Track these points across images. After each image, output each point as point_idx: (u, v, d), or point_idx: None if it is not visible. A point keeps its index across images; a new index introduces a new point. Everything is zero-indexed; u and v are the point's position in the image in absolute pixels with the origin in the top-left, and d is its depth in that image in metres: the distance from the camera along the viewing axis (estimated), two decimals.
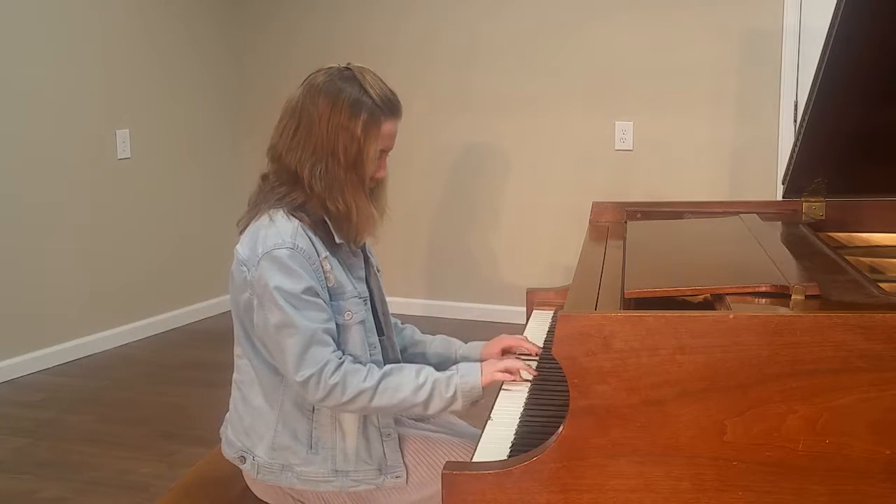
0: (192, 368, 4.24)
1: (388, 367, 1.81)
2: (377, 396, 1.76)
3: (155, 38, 4.69)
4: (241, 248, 1.84)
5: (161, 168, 4.77)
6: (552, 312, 2.28)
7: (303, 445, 1.85)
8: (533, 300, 2.37)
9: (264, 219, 1.82)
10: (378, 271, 2.02)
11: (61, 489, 3.04)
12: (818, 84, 1.99)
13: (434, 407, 1.78)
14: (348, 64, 1.86)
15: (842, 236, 2.24)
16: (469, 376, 1.79)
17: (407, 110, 1.88)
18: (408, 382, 1.77)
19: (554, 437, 1.43)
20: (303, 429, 1.85)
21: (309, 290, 1.76)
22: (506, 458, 1.53)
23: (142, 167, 4.66)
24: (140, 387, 4.02)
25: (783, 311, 1.46)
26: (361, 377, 1.76)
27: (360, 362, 1.81)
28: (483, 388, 1.80)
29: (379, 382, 1.76)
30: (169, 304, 4.84)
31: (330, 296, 1.82)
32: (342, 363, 1.76)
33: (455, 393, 1.78)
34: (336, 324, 1.81)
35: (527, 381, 1.84)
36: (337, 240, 1.85)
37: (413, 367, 1.83)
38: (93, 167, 4.42)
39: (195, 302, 4.96)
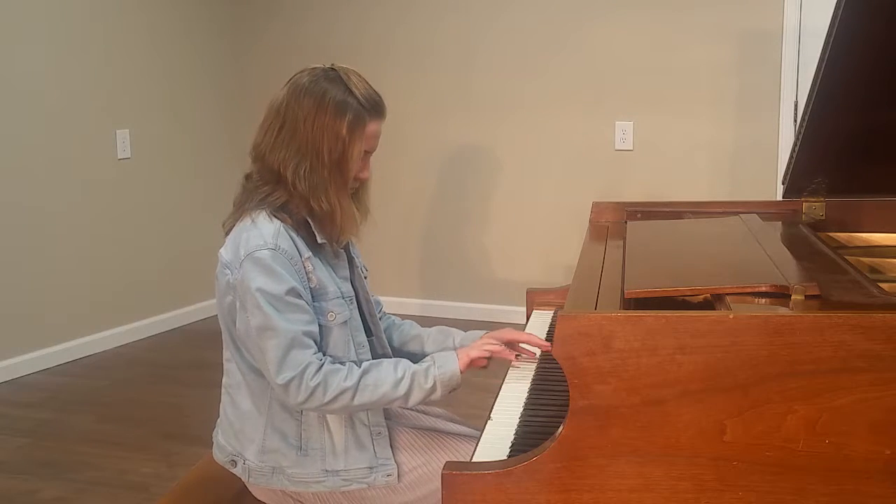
0: (192, 368, 4.25)
1: (365, 364, 1.81)
2: (358, 394, 1.75)
3: (155, 38, 4.69)
4: (224, 252, 1.84)
5: (161, 168, 4.77)
6: (552, 313, 2.28)
7: (292, 447, 1.85)
8: (533, 300, 2.37)
9: (246, 221, 1.82)
10: (364, 271, 2.01)
11: (61, 489, 3.04)
12: (818, 84, 1.99)
13: (414, 399, 1.79)
14: (332, 64, 1.87)
15: (842, 236, 2.24)
16: (446, 366, 1.79)
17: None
18: (387, 377, 1.77)
19: (554, 437, 1.43)
20: (291, 431, 1.85)
21: (291, 292, 1.76)
22: (506, 458, 1.53)
23: (142, 167, 4.66)
24: (140, 387, 4.02)
25: (783, 311, 1.46)
26: (342, 377, 1.75)
27: (341, 362, 1.81)
28: (462, 373, 1.80)
29: (359, 380, 1.76)
30: (169, 304, 4.84)
31: (312, 296, 1.81)
32: (322, 364, 1.76)
33: (434, 384, 1.78)
34: (319, 325, 1.80)
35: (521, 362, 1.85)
36: (319, 240, 1.84)
37: (391, 361, 1.83)
38: (93, 167, 4.42)
39: (195, 302, 4.96)
